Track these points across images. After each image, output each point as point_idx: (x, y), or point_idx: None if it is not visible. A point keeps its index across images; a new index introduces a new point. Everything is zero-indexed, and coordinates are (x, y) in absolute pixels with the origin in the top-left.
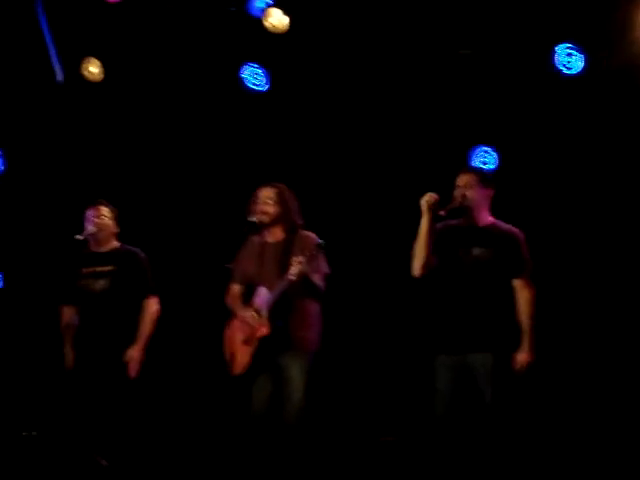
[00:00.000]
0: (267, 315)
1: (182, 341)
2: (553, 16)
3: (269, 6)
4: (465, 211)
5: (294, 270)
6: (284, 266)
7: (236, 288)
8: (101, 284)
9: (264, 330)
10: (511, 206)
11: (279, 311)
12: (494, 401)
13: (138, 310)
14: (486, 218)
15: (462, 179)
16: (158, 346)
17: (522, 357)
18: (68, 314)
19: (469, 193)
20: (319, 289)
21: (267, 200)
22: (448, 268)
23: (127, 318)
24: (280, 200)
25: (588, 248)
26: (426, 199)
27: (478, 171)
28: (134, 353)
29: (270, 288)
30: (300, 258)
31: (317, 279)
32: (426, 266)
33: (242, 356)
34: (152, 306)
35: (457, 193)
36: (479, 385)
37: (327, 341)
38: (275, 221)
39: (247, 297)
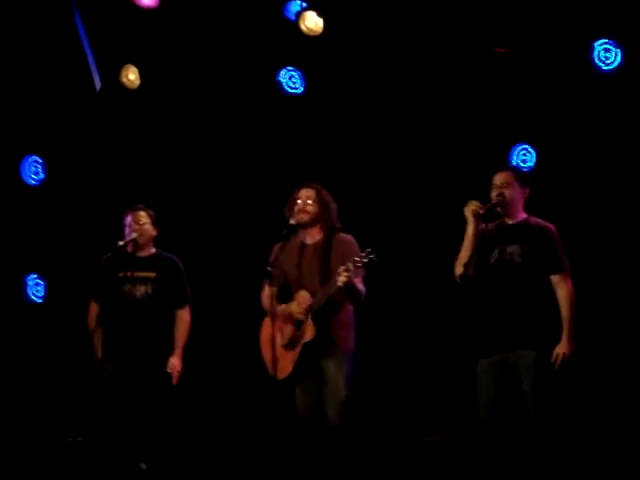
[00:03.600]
0: (311, 319)
1: (218, 345)
2: (590, 12)
3: (304, 9)
4: (503, 210)
5: (342, 279)
6: (324, 269)
7: (272, 290)
8: (142, 290)
9: (310, 335)
10: (550, 204)
11: (322, 315)
12: (537, 398)
13: (173, 318)
14: (520, 215)
15: (499, 178)
16: (195, 352)
17: (561, 350)
18: (96, 310)
19: (507, 192)
20: (360, 294)
21: (307, 200)
22: (485, 268)
23: (165, 325)
24: (320, 200)
25: (624, 243)
26: (471, 208)
27: (515, 170)
28: (176, 362)
29: (310, 291)
30: (349, 266)
31: (359, 284)
32: (472, 272)
33: (285, 361)
34: (187, 315)
35: (494, 192)
36: (523, 383)
37: (375, 342)
38: (314, 221)
39: (282, 299)
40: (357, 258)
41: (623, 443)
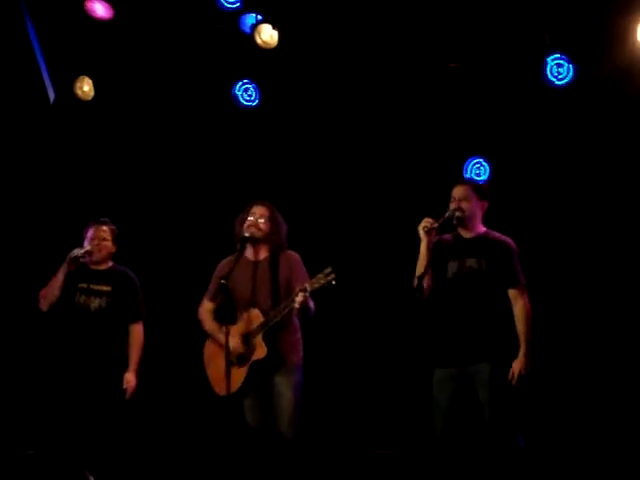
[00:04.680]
0: (262, 337)
1: (167, 361)
2: (543, 27)
3: (259, 22)
4: (460, 223)
5: (300, 299)
6: (274, 286)
7: (209, 306)
8: (96, 303)
9: (261, 353)
10: (504, 216)
11: (271, 336)
12: (494, 410)
13: (126, 332)
14: (479, 228)
15: (458, 191)
16: (148, 367)
17: (518, 366)
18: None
19: (465, 205)
20: (311, 312)
21: (260, 217)
22: (443, 280)
23: (118, 339)
24: (272, 219)
25: (580, 256)
26: (423, 225)
27: (474, 183)
28: (131, 378)
29: (261, 309)
30: (306, 287)
31: (310, 301)
32: (428, 285)
33: (233, 378)
34: (140, 330)
35: (453, 205)
36: (479, 396)
37: (328, 353)
38: (264, 239)
39: (229, 316)
40: (315, 280)
41: (578, 454)
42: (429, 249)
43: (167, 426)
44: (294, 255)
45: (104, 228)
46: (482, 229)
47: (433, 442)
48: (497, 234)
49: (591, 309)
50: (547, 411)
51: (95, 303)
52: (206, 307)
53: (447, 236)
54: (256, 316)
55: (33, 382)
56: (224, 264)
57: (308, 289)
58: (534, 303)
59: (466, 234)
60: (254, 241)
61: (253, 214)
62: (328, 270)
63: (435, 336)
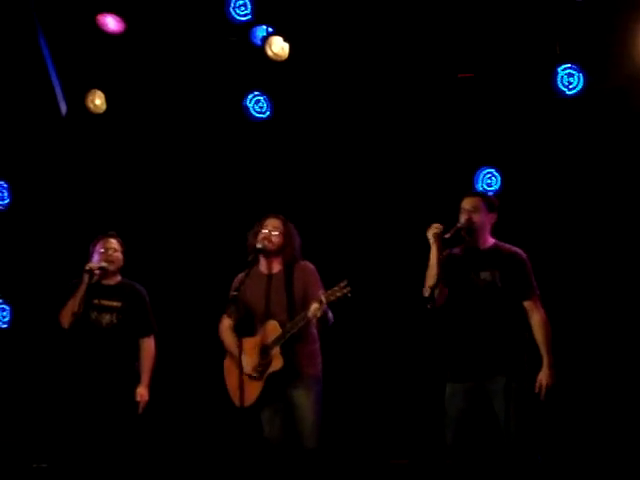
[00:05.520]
0: (279, 350)
1: (184, 373)
2: (553, 37)
3: (270, 34)
4: (469, 235)
5: (314, 311)
6: (290, 299)
7: (228, 322)
8: (107, 319)
9: (277, 365)
10: (516, 226)
11: (289, 348)
12: (509, 422)
13: (138, 347)
14: (489, 241)
15: (468, 202)
16: (161, 380)
17: (544, 378)
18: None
19: (475, 217)
20: (329, 322)
21: (274, 230)
22: (459, 294)
23: (130, 354)
24: (285, 232)
25: (591, 265)
26: (432, 231)
27: (484, 195)
28: (144, 392)
29: (278, 321)
30: (322, 299)
31: (330, 314)
32: (441, 295)
33: (251, 390)
34: (152, 344)
35: (463, 217)
36: (494, 407)
37: (343, 365)
38: (278, 252)
39: (248, 329)
40: (331, 293)
41: (594, 466)
42: (439, 256)
43: (182, 439)
44: (308, 265)
45: (113, 240)
46: (492, 241)
47: (444, 454)
48: (507, 245)
49: (603, 317)
50: (564, 423)
51: (106, 319)
52: (224, 323)
53: (456, 250)
54: (274, 328)
55: (49, 398)
56: (239, 279)
57: (324, 301)
58: (548, 313)
59: (476, 246)
60: (267, 254)
61: (266, 227)
62: (344, 283)
63: (449, 350)
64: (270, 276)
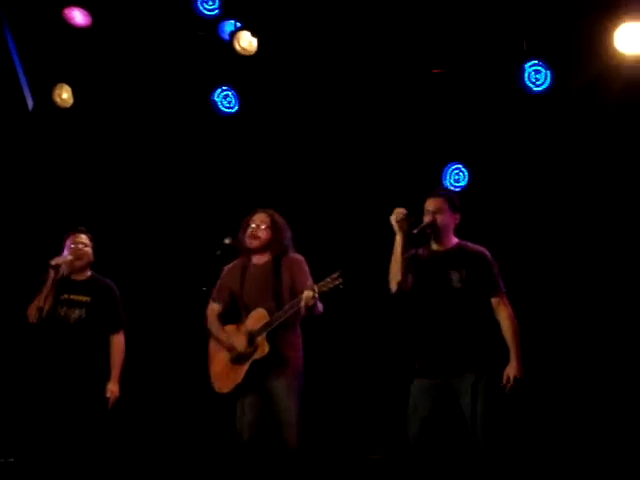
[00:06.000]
0: (266, 337)
1: (160, 365)
2: (520, 34)
3: (238, 29)
4: (434, 236)
5: (308, 300)
6: (275, 289)
7: (216, 308)
8: (76, 314)
9: (263, 351)
10: (484, 222)
11: (274, 337)
12: (475, 417)
13: (107, 342)
14: (452, 240)
15: (432, 203)
16: (136, 371)
17: (512, 371)
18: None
19: (439, 218)
20: (318, 313)
21: (260, 225)
22: (426, 293)
23: (99, 350)
24: (273, 226)
25: (558, 261)
26: (394, 217)
27: (447, 196)
28: (114, 388)
29: (267, 312)
30: (314, 289)
31: (320, 305)
32: (403, 284)
33: (233, 376)
34: (121, 340)
35: (427, 218)
36: (461, 404)
37: (316, 360)
38: (265, 247)
39: (233, 317)
40: (323, 284)
41: (560, 459)
42: (404, 243)
43: (155, 433)
44: (297, 257)
45: (82, 236)
46: (455, 240)
47: (408, 451)
48: (471, 244)
49: (572, 313)
50: (530, 418)
51: (75, 314)
52: (211, 311)
53: (420, 250)
54: (261, 316)
55: (16, 393)
56: (228, 269)
57: (316, 290)
58: (516, 310)
59: (441, 247)
60: (254, 250)
61: (253, 223)
62: (336, 274)
63: (417, 347)
64: (258, 267)
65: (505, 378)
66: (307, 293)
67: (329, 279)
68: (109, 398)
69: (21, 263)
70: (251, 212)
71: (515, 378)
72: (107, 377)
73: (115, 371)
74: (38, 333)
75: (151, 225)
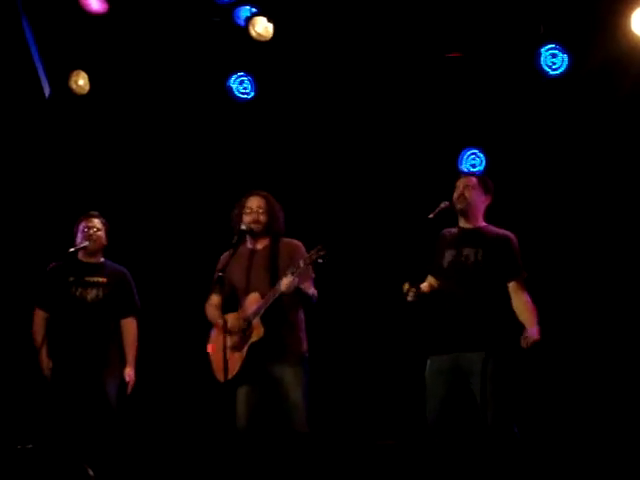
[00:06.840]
0: (260, 319)
1: (167, 352)
2: (537, 17)
3: (253, 15)
4: (462, 213)
5: (286, 283)
6: (273, 273)
7: (216, 298)
8: (93, 294)
9: (259, 334)
10: (500, 208)
11: (270, 319)
12: (486, 399)
13: (120, 325)
14: (479, 222)
15: (463, 180)
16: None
17: (532, 334)
18: (42, 318)
19: (468, 194)
20: (311, 298)
21: (259, 209)
22: (440, 269)
23: (115, 331)
24: (269, 209)
25: (577, 248)
26: (406, 295)
27: (481, 176)
28: (131, 372)
29: (261, 295)
30: (294, 267)
31: (308, 287)
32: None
33: (232, 362)
34: (134, 325)
35: (456, 193)
36: (471, 385)
37: (326, 345)
38: (265, 230)
39: (233, 305)
40: (306, 257)
41: (573, 444)
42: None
43: (167, 420)
44: (296, 242)
45: (95, 220)
46: (482, 223)
47: (426, 432)
48: (497, 228)
49: (588, 302)
50: (542, 401)
51: (92, 294)
52: (210, 302)
53: (453, 229)
54: (255, 299)
55: (33, 376)
56: (225, 257)
57: (294, 270)
58: (534, 296)
59: (466, 224)
60: (253, 234)
61: (250, 207)
62: (318, 247)
63: (432, 324)
64: (254, 251)
65: (524, 337)
66: (285, 280)
67: (313, 251)
68: (128, 382)
69: (37, 250)
70: (244, 196)
71: (535, 340)
72: (123, 360)
73: (131, 356)
74: (55, 316)
75: (167, 211)
